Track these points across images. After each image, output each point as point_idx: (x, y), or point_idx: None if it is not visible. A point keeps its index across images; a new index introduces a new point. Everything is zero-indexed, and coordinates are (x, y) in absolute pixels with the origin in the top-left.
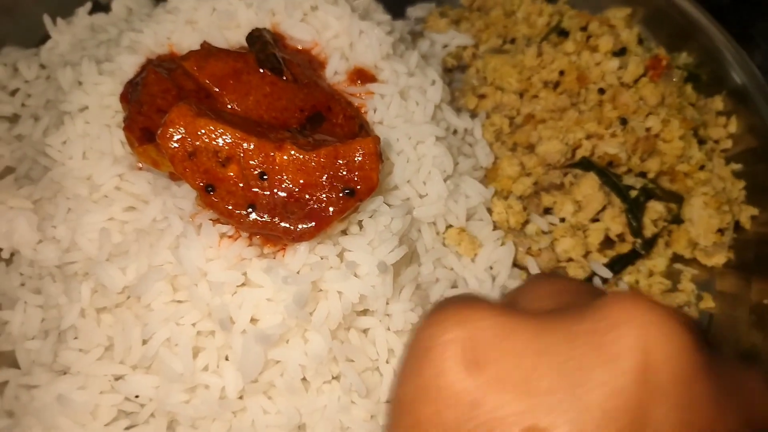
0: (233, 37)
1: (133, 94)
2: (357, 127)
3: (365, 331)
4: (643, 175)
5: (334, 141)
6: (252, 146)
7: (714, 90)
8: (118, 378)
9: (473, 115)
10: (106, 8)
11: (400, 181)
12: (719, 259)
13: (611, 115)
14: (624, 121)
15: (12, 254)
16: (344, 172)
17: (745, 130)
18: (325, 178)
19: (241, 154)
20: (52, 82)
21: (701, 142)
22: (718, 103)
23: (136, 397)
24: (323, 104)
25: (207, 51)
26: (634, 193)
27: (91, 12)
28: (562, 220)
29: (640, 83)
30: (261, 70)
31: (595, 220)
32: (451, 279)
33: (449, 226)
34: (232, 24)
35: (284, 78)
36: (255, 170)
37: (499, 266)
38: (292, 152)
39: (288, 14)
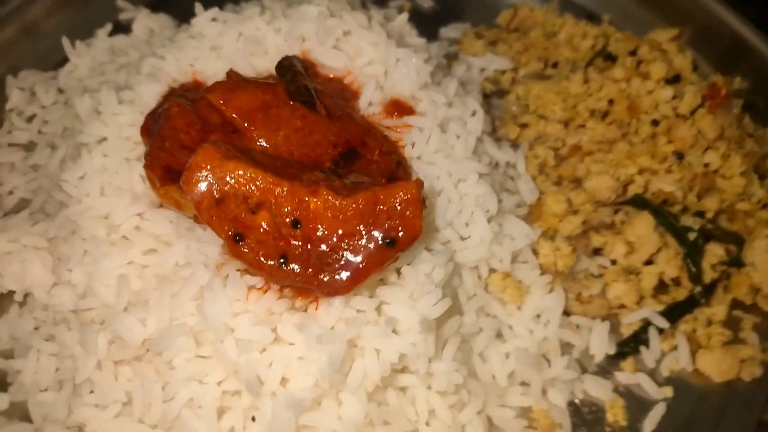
0: (261, 64)
1: (154, 127)
2: (394, 164)
3: (404, 389)
4: (700, 214)
5: (371, 183)
6: (285, 191)
7: None
8: None
9: (514, 145)
10: (126, 29)
11: (441, 223)
12: None
13: (666, 149)
14: (680, 156)
15: (25, 296)
16: (384, 220)
17: None
18: (363, 226)
19: (273, 201)
20: (70, 108)
21: (762, 177)
22: None
23: None
24: (358, 139)
25: (234, 82)
26: (692, 236)
27: (112, 33)
28: (613, 262)
29: (696, 114)
30: (291, 103)
31: (648, 262)
32: (496, 328)
33: (492, 270)
34: (260, 50)
35: (317, 111)
36: (287, 218)
37: (548, 314)
38: (328, 198)
39: (319, 41)
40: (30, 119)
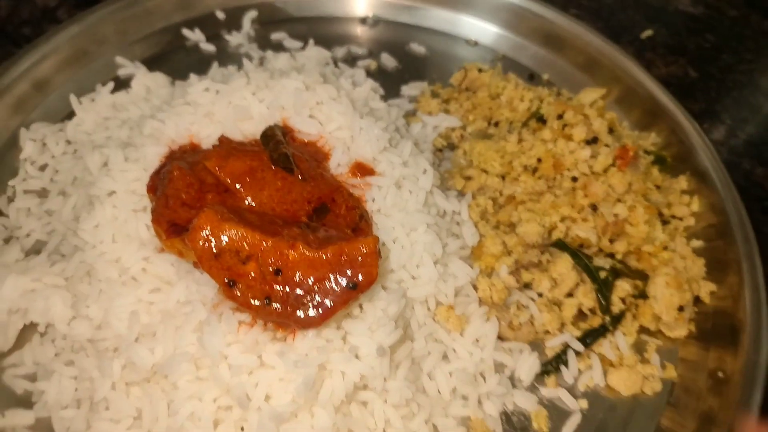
0: (247, 128)
1: (159, 186)
2: (357, 217)
3: (365, 403)
4: (611, 255)
5: (338, 236)
6: (269, 246)
7: (679, 170)
8: None
9: (461, 194)
10: (126, 84)
11: (396, 266)
12: (681, 332)
13: (583, 201)
14: (594, 208)
15: (47, 327)
16: (348, 268)
17: (706, 208)
18: (330, 273)
19: (259, 254)
20: (78, 159)
21: (665, 222)
22: (682, 182)
23: None
24: (328, 196)
25: (227, 151)
26: (603, 274)
27: (114, 90)
28: (540, 295)
29: (609, 172)
30: (273, 167)
31: (569, 295)
32: (442, 351)
33: (439, 304)
34: (246, 116)
35: (294, 175)
36: (271, 267)
37: (484, 340)
38: (303, 251)
39: (296, 110)
40: (42, 168)
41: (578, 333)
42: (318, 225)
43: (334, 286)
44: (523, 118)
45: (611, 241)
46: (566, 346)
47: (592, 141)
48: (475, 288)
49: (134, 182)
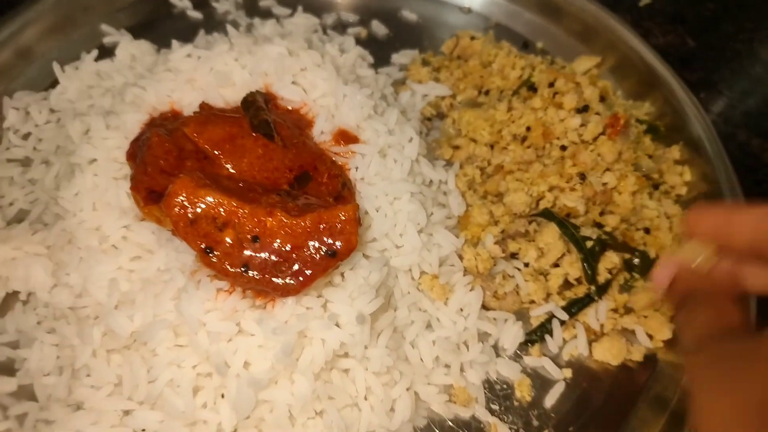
0: (230, 95)
1: (138, 153)
2: (340, 185)
3: (346, 371)
4: (600, 226)
5: (318, 204)
6: (246, 213)
7: (672, 140)
8: (126, 413)
9: (449, 164)
10: (110, 52)
11: (379, 234)
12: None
13: (571, 170)
14: (583, 177)
15: (28, 295)
16: (327, 236)
17: (698, 177)
18: (309, 240)
19: (236, 221)
20: (61, 128)
21: (656, 186)
22: (675, 152)
23: (143, 431)
24: (310, 164)
25: (205, 117)
26: (590, 244)
27: (98, 57)
28: (526, 264)
29: (599, 140)
30: (254, 134)
31: (555, 265)
32: (425, 320)
33: (423, 273)
34: (228, 83)
35: (275, 142)
36: (248, 234)
37: (468, 309)
38: (282, 218)
39: (279, 77)
40: (26, 137)
41: (563, 303)
42: (299, 193)
43: (312, 253)
44: (515, 86)
45: (601, 213)
46: (551, 316)
47: (583, 109)
48: (461, 257)
49: (115, 150)
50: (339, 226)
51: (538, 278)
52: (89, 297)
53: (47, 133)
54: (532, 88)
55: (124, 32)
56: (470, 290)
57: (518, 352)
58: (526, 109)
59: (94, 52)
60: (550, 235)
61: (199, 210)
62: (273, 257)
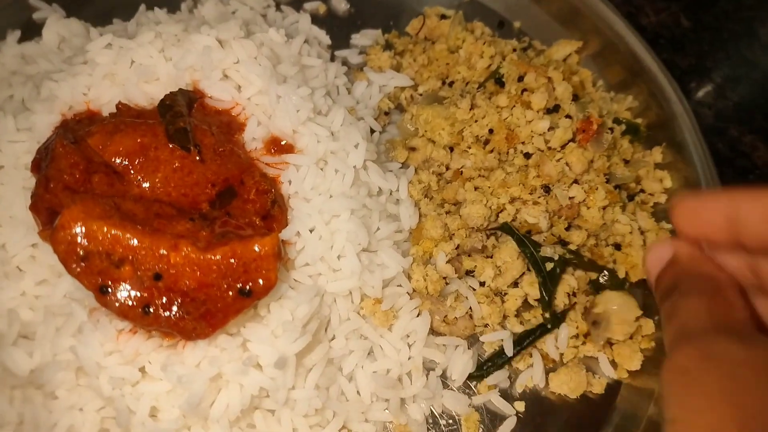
0: (153, 91)
1: (41, 165)
2: (269, 203)
3: (272, 411)
4: (564, 242)
5: (235, 233)
6: (146, 246)
7: (654, 140)
8: None
9: (404, 166)
10: (40, 29)
11: (312, 258)
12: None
13: (535, 182)
14: (547, 189)
15: None
16: (241, 273)
17: (680, 184)
18: (221, 278)
19: (135, 256)
20: None
21: (631, 197)
22: (656, 155)
23: None
24: (236, 177)
25: (114, 125)
26: (550, 265)
27: (25, 37)
28: (482, 284)
29: (567, 148)
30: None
31: (514, 284)
32: (366, 349)
33: (365, 296)
34: (152, 78)
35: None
36: (150, 272)
37: (414, 336)
38: (188, 252)
39: (207, 72)
40: None
41: (520, 328)
42: (220, 213)
43: (224, 292)
44: (481, 77)
45: (567, 227)
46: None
47: (553, 109)
48: (409, 277)
49: (25, 155)
50: (256, 261)
51: (494, 300)
52: None
53: None
54: (500, 82)
55: (56, 7)
56: (417, 315)
57: (467, 382)
58: (490, 107)
59: (17, 32)
60: (509, 253)
61: (91, 245)
62: (179, 297)
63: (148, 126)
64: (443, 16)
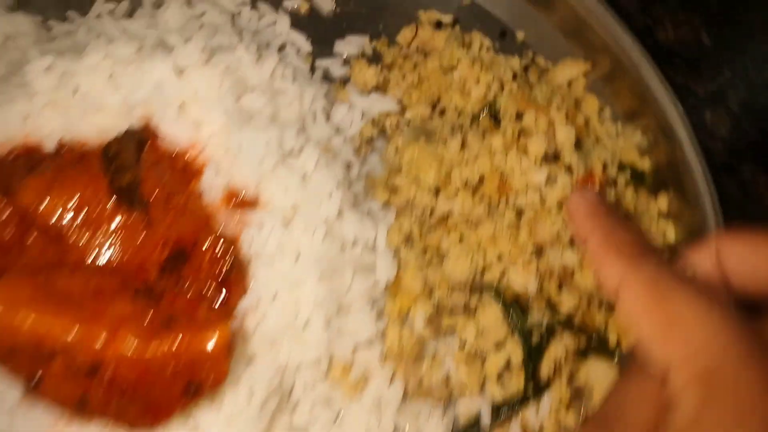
0: (101, 122)
1: None
2: (227, 268)
3: None
4: (554, 306)
5: (184, 316)
6: (81, 337)
7: (660, 184)
8: None
9: (385, 207)
10: None
11: (275, 330)
12: None
13: (526, 241)
14: (539, 251)
15: None
16: (188, 368)
17: (684, 234)
18: (166, 370)
19: (67, 347)
20: None
21: None
22: (662, 203)
23: None
24: (190, 237)
25: (50, 177)
26: (537, 334)
27: None
28: (463, 344)
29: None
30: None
31: (497, 346)
32: (333, 417)
33: (334, 362)
34: (99, 109)
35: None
36: (84, 363)
37: (385, 402)
38: (130, 343)
39: (161, 107)
40: None
41: (502, 393)
42: (170, 282)
43: (169, 388)
44: (476, 107)
45: (559, 288)
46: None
47: (552, 157)
48: (383, 336)
49: None
50: (204, 355)
51: (474, 361)
52: None
53: None
54: (495, 118)
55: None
56: (390, 380)
57: None
58: (483, 148)
59: None
60: (493, 316)
61: (17, 337)
62: (118, 390)
63: (90, 177)
64: (439, 23)
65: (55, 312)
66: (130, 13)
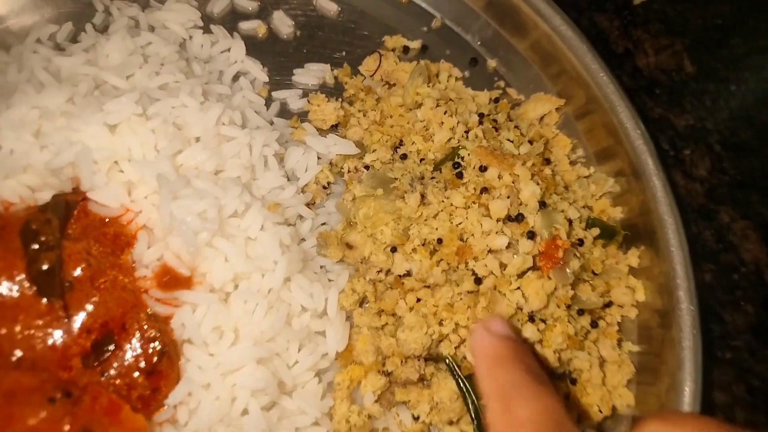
0: (27, 181)
1: None
2: (156, 355)
3: None
4: None
5: (100, 417)
6: None
7: (632, 237)
8: None
9: (341, 263)
10: None
11: (206, 422)
12: None
13: (483, 314)
14: None
15: None
16: None
17: (653, 294)
18: None
19: None
20: None
21: (594, 323)
22: (632, 259)
23: None
24: (118, 319)
25: None
26: None
27: None
28: (416, 418)
29: (525, 277)
30: None
31: (451, 422)
32: None
33: None
34: (23, 169)
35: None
36: None
37: None
38: None
39: (91, 167)
40: None
41: None
42: (94, 373)
43: None
44: (439, 154)
45: None
46: None
47: (515, 218)
48: (330, 416)
49: None
50: None
51: None
52: None
53: None
54: (458, 169)
55: None
56: None
57: None
58: (443, 205)
59: None
60: (448, 391)
61: None
62: None
63: (8, 254)
64: (406, 48)
65: None
66: (72, 38)
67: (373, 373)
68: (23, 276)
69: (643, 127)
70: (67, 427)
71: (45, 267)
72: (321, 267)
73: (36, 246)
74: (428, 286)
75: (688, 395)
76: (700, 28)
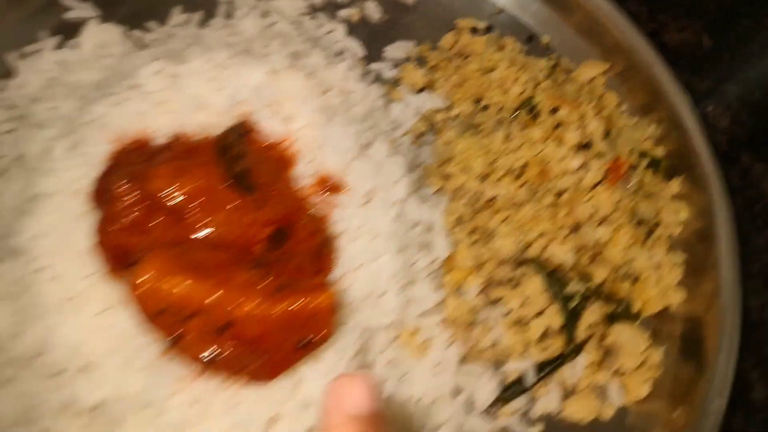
0: (206, 119)
1: (102, 200)
2: (319, 244)
3: None
4: (587, 276)
5: (292, 283)
6: (217, 299)
7: (673, 170)
8: None
9: (440, 191)
10: (72, 30)
11: (357, 300)
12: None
13: (564, 220)
14: (576, 228)
15: None
16: (300, 325)
17: (695, 214)
18: (282, 330)
19: (206, 308)
20: (29, 129)
21: (650, 232)
22: (674, 186)
23: None
24: (287, 219)
25: (180, 165)
26: (574, 302)
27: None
28: (509, 313)
29: (597, 189)
30: (227, 183)
31: (538, 314)
32: (400, 376)
33: (402, 328)
34: (204, 107)
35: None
36: (217, 323)
37: (445, 364)
38: (254, 306)
39: (257, 104)
40: None
41: (543, 355)
42: (274, 256)
43: (284, 343)
44: (515, 104)
45: (592, 260)
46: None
47: (585, 146)
48: (443, 304)
49: (78, 181)
50: (314, 317)
51: (519, 329)
52: (50, 355)
53: (4, 137)
54: (533, 112)
55: (86, 7)
56: (449, 345)
57: (491, 407)
58: (524, 139)
59: (53, 39)
60: (535, 287)
61: (167, 300)
62: (243, 346)
63: (208, 167)
64: (474, 29)
65: (197, 280)
66: (202, 23)
67: (473, 274)
68: (221, 179)
69: (677, 81)
70: (266, 284)
71: (239, 171)
72: (424, 196)
73: (229, 156)
74: (515, 206)
75: (726, 297)
76: (714, 11)
